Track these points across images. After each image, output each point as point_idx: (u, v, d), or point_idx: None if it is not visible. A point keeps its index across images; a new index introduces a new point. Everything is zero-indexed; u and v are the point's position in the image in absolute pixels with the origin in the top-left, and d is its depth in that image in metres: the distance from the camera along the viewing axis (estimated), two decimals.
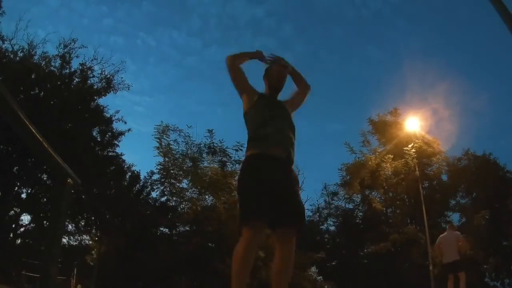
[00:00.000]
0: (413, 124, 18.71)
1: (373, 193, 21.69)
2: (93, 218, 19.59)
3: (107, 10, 46.83)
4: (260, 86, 2.98)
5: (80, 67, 17.63)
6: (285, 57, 3.08)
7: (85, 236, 21.46)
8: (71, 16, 38.31)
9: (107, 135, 19.19)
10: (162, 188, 19.30)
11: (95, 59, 17.86)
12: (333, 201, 25.65)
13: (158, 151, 17.37)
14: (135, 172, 23.67)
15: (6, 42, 16.39)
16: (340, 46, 53.14)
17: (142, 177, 23.92)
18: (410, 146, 18.84)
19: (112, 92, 18.49)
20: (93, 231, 21.05)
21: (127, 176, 23.08)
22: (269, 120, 2.56)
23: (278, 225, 2.35)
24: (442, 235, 8.21)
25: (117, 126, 19.06)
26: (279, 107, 2.75)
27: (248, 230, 2.23)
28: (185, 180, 18.20)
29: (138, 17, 48.46)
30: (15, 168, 16.67)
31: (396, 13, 51.81)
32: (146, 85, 52.10)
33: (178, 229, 21.45)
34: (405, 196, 20.68)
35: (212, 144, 17.79)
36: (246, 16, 52.19)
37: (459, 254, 7.81)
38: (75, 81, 17.71)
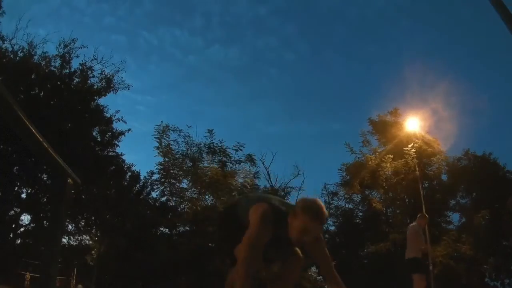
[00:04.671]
0: (413, 124, 18.70)
1: (373, 193, 21.70)
2: (93, 218, 19.60)
3: (108, 9, 46.95)
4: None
5: (80, 67, 17.66)
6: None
7: (85, 236, 21.48)
8: (72, 15, 38.35)
9: (107, 135, 19.20)
10: (162, 188, 19.33)
11: (95, 59, 17.90)
12: (333, 201, 25.65)
13: (158, 151, 17.40)
14: (135, 172, 23.69)
15: (6, 42, 16.43)
16: (343, 45, 53.14)
17: (142, 177, 23.94)
18: (410, 146, 18.83)
19: (112, 92, 18.53)
20: (93, 231, 21.07)
21: (127, 176, 23.09)
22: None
23: None
24: (416, 225, 7.40)
25: (117, 126, 19.10)
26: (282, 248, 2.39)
27: None
28: (185, 180, 18.23)
29: (140, 16, 48.50)
30: (15, 168, 16.68)
31: (399, 12, 51.87)
32: (147, 84, 52.14)
33: (178, 229, 21.44)
34: (405, 196, 20.68)
35: (212, 144, 17.82)
36: (249, 15, 52.22)
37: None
38: (75, 81, 17.74)
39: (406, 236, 7.19)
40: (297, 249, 2.40)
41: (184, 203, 18.72)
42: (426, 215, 7.79)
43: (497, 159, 23.01)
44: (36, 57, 16.98)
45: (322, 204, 2.17)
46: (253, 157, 18.63)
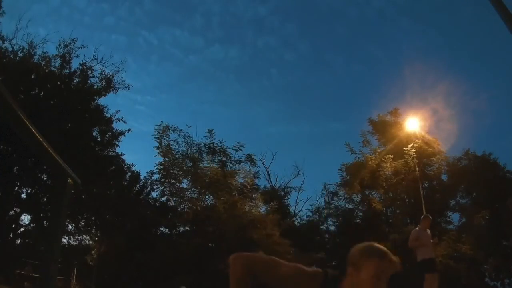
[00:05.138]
0: (413, 124, 18.73)
1: (373, 193, 21.69)
2: (93, 218, 19.59)
3: (108, 8, 46.82)
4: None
5: (80, 67, 17.66)
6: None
7: (85, 236, 21.47)
8: (72, 14, 38.36)
9: (107, 135, 19.19)
10: (162, 188, 19.34)
11: (95, 59, 17.90)
12: (333, 201, 25.66)
13: (158, 151, 17.41)
14: (135, 172, 23.68)
15: (6, 42, 16.43)
16: (343, 45, 53.08)
17: (142, 177, 23.94)
18: (410, 146, 18.85)
19: (112, 92, 18.53)
20: (93, 231, 21.06)
21: (127, 176, 23.08)
22: None
23: None
24: (418, 229, 7.62)
25: (117, 126, 19.09)
26: None
27: None
28: (185, 180, 18.24)
29: (140, 15, 48.41)
30: (15, 168, 16.68)
31: (399, 12, 51.80)
32: (147, 84, 52.02)
33: (178, 229, 21.45)
34: (405, 196, 20.68)
35: (212, 144, 17.83)
36: (249, 14, 52.08)
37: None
38: (75, 81, 17.73)
39: (428, 238, 7.37)
40: None
41: (184, 203, 18.73)
42: (429, 216, 7.94)
43: (497, 159, 23.02)
44: (36, 57, 16.98)
45: None
46: (253, 157, 18.66)
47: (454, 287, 17.56)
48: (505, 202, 19.94)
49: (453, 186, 21.91)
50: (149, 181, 23.08)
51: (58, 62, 17.29)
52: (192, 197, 17.98)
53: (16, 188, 17.41)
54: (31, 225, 18.84)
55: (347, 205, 24.75)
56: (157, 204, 22.89)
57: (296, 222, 26.16)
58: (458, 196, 22.71)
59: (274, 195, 23.98)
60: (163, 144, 17.43)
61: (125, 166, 21.87)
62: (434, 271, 7.20)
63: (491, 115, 43.02)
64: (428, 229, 7.58)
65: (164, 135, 17.43)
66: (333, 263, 24.10)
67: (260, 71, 56.57)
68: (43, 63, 17.06)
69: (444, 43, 49.81)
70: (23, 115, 1.74)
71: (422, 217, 7.90)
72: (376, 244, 1.81)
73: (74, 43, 17.43)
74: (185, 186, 18.34)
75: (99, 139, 18.88)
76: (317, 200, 28.91)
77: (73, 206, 15.63)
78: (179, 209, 19.39)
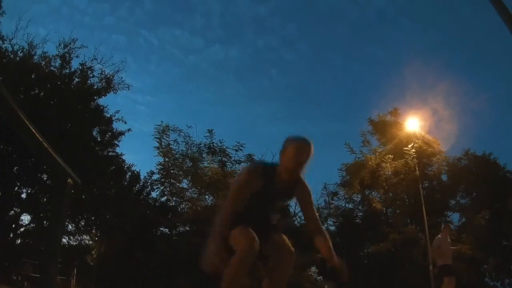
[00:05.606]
0: (413, 124, 18.72)
1: (373, 193, 21.68)
2: (93, 218, 19.60)
3: (108, 8, 46.91)
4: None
5: (80, 67, 17.65)
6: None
7: (85, 236, 21.49)
8: (73, 14, 38.43)
9: (107, 135, 19.18)
10: (162, 188, 19.30)
11: (95, 59, 17.89)
12: (333, 201, 25.58)
13: (158, 151, 17.40)
14: (135, 172, 23.69)
15: (6, 42, 16.42)
16: (344, 46, 53.16)
17: (142, 177, 23.94)
18: (410, 146, 18.83)
19: (112, 92, 18.53)
20: (93, 231, 21.07)
21: (127, 176, 23.08)
22: (256, 208, 2.51)
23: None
24: (440, 237, 8.33)
25: (117, 126, 19.08)
26: (280, 196, 2.59)
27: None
28: (185, 180, 18.22)
29: (140, 15, 48.51)
30: (15, 168, 16.68)
31: (399, 12, 51.85)
32: (148, 84, 52.10)
33: (178, 229, 21.43)
34: (405, 196, 20.67)
35: (212, 144, 17.80)
36: (249, 15, 52.16)
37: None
38: (75, 81, 17.72)
39: (447, 245, 8.15)
40: (289, 243, 2.47)
41: (184, 203, 18.72)
42: (449, 224, 9.42)
43: (497, 159, 23.02)
44: (36, 57, 16.98)
45: None
46: (253, 157, 18.62)
47: (454, 287, 17.54)
48: (505, 202, 19.95)
49: (453, 186, 21.89)
50: (149, 181, 23.09)
51: (58, 62, 17.30)
52: (192, 197, 17.97)
53: (16, 188, 17.41)
54: (31, 225, 18.84)
55: (347, 205, 24.74)
56: (157, 204, 22.88)
57: (296, 222, 26.15)
58: (458, 196, 22.70)
59: None
60: (163, 144, 17.43)
61: (125, 166, 21.90)
62: (451, 274, 8.05)
63: (491, 115, 43.04)
64: (448, 237, 8.31)
65: (164, 135, 17.42)
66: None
67: (260, 71, 56.67)
68: (43, 63, 17.06)
69: (444, 43, 49.86)
70: (23, 115, 1.74)
71: (442, 226, 8.74)
72: (299, 135, 2.42)
73: (74, 43, 17.45)
74: (185, 186, 18.33)
75: (99, 139, 18.88)
76: (317, 200, 28.84)
77: (73, 206, 15.62)
78: (179, 209, 19.39)
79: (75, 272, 20.93)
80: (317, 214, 2.70)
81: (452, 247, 8.37)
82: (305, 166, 2.41)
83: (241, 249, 2.24)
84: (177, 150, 17.78)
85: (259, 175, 2.42)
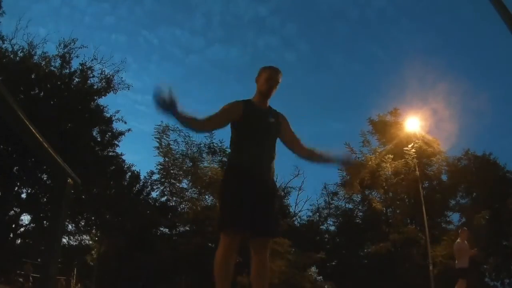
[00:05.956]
0: (413, 124, 18.70)
1: (373, 193, 21.67)
2: (93, 218, 19.59)
3: (109, 8, 46.90)
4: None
5: (80, 67, 17.65)
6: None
7: (85, 236, 21.48)
8: (73, 14, 38.38)
9: (107, 135, 19.18)
10: (162, 188, 19.32)
11: (95, 59, 17.89)
12: (333, 201, 25.63)
13: (158, 151, 17.40)
14: (135, 172, 23.70)
15: (6, 42, 16.42)
16: (344, 45, 53.08)
17: (142, 177, 23.94)
18: (410, 146, 18.82)
19: (112, 92, 18.52)
20: (93, 231, 21.06)
21: (127, 176, 23.09)
22: (252, 138, 2.61)
23: (252, 235, 2.47)
24: (459, 241, 8.93)
25: (117, 126, 19.08)
26: (266, 118, 2.70)
27: (226, 236, 2.37)
28: (185, 180, 18.22)
29: (140, 15, 48.42)
30: (15, 168, 16.68)
31: (400, 12, 51.81)
32: (147, 83, 51.99)
33: (178, 229, 21.45)
34: (405, 196, 20.66)
35: (212, 144, 17.82)
36: (249, 14, 52.07)
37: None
38: (75, 81, 17.72)
39: (466, 249, 8.72)
40: (266, 259, 2.52)
41: (184, 203, 18.72)
42: (465, 228, 9.43)
43: (497, 159, 22.99)
44: (36, 57, 16.98)
45: None
46: None
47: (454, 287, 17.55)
48: (505, 202, 19.94)
49: (453, 186, 21.87)
50: (149, 181, 23.11)
51: (58, 62, 17.31)
52: (192, 197, 17.97)
53: (16, 188, 17.41)
54: (31, 225, 18.84)
55: (347, 205, 24.76)
56: (157, 204, 22.90)
57: (296, 222, 26.15)
58: (458, 196, 22.67)
59: None
60: (163, 144, 17.42)
61: (125, 166, 21.90)
62: (465, 278, 8.64)
63: (491, 115, 42.99)
64: (466, 241, 8.79)
65: (164, 135, 17.41)
66: (333, 263, 24.17)
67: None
68: (43, 63, 17.05)
69: (444, 43, 49.83)
70: (23, 115, 1.74)
71: (460, 230, 9.31)
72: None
73: (74, 43, 17.44)
74: (185, 186, 18.34)
75: (99, 139, 18.88)
76: (317, 200, 28.92)
77: (73, 206, 15.63)
78: (179, 209, 19.40)
79: (75, 272, 20.94)
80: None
81: (470, 250, 8.82)
82: (275, 90, 2.76)
83: (218, 256, 2.37)
84: (177, 150, 17.80)
85: (236, 104, 2.65)
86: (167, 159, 17.74)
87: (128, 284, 21.48)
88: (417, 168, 17.91)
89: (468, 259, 8.65)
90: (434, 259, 16.55)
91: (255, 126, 2.62)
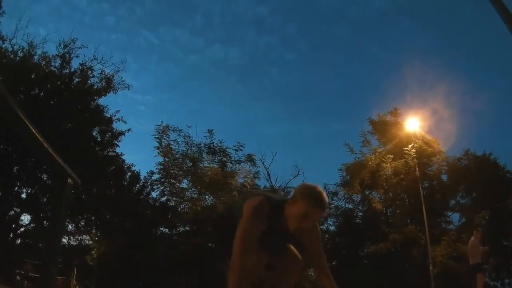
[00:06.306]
0: (413, 124, 18.72)
1: (373, 193, 21.68)
2: (93, 218, 19.58)
3: (109, 8, 46.91)
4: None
5: (80, 67, 17.64)
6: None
7: (85, 236, 21.46)
8: (73, 14, 38.45)
9: (107, 135, 19.17)
10: (162, 188, 19.32)
11: (95, 59, 17.85)
12: (333, 201, 25.60)
13: (158, 151, 17.42)
14: (135, 172, 23.64)
15: (6, 42, 16.40)
16: (344, 45, 53.17)
17: (142, 177, 23.90)
18: (410, 146, 18.84)
19: (112, 92, 18.51)
20: (93, 231, 21.06)
21: (127, 176, 23.06)
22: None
23: None
24: (473, 239, 10.06)
25: (117, 126, 19.06)
26: (285, 240, 2.44)
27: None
28: (185, 180, 18.23)
29: (141, 15, 48.52)
30: (15, 168, 16.66)
31: (400, 12, 51.85)
32: (148, 83, 52.09)
33: (178, 229, 21.43)
34: (405, 196, 20.67)
35: (212, 144, 17.82)
36: (249, 14, 52.16)
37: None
38: (75, 81, 17.70)
39: (467, 249, 10.18)
40: (295, 250, 2.44)
41: (184, 203, 18.72)
42: (479, 228, 10.80)
43: (497, 159, 23.03)
44: (36, 57, 16.94)
45: (322, 191, 2.15)
46: (253, 157, 18.63)
47: (454, 287, 17.56)
48: (505, 202, 19.95)
49: (453, 186, 21.89)
50: (149, 181, 23.03)
51: (58, 62, 17.27)
52: (192, 197, 17.97)
53: (16, 188, 17.39)
54: (31, 225, 18.83)
55: (347, 205, 24.74)
56: (157, 204, 22.87)
57: None
58: (458, 196, 22.71)
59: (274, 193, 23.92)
60: (163, 144, 17.44)
61: (125, 166, 21.86)
62: (481, 271, 9.93)
63: (491, 115, 43.02)
64: (479, 240, 9.88)
65: (164, 135, 17.44)
66: (333, 263, 24.16)
67: (261, 71, 56.65)
68: (43, 63, 17.03)
69: (444, 43, 49.84)
70: (23, 115, 1.74)
71: (475, 231, 10.33)
72: (319, 191, 2.11)
73: (74, 43, 17.41)
74: (185, 186, 18.34)
75: (99, 139, 18.86)
76: None
77: (73, 206, 15.62)
78: (179, 209, 19.38)
79: (75, 272, 20.95)
80: (324, 253, 2.52)
81: (482, 247, 9.77)
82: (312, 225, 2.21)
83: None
84: (177, 150, 17.81)
85: (263, 215, 2.16)
86: (167, 159, 17.76)
87: (128, 284, 21.47)
88: (417, 168, 17.93)
89: (481, 255, 9.62)
90: (434, 259, 16.57)
91: (270, 244, 2.35)
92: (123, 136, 19.19)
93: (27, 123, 1.80)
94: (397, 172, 19.66)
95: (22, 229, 18.92)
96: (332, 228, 25.77)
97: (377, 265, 19.91)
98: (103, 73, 18.20)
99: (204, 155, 17.91)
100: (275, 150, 47.99)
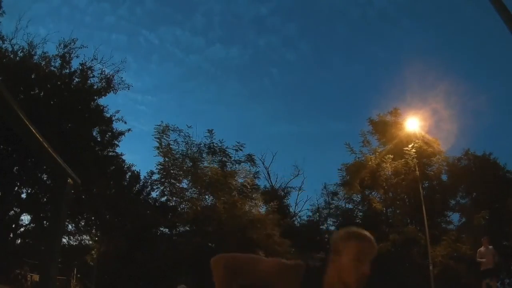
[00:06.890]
0: (413, 124, 18.72)
1: (373, 193, 21.69)
2: (93, 218, 19.58)
3: (109, 8, 46.91)
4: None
5: (80, 67, 17.64)
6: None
7: (85, 236, 21.45)
8: (73, 14, 38.48)
9: (107, 135, 19.17)
10: (162, 188, 19.34)
11: (95, 58, 17.87)
12: (333, 201, 25.68)
13: (158, 151, 17.41)
14: (135, 172, 23.68)
15: (6, 42, 16.40)
16: (344, 45, 53.17)
17: (142, 177, 23.92)
18: (410, 146, 18.84)
19: (112, 92, 18.52)
20: (93, 231, 21.05)
21: (127, 176, 23.08)
22: None
23: None
24: (482, 248, 10.90)
25: (117, 126, 19.08)
26: None
27: None
28: (185, 180, 18.24)
29: (141, 15, 48.43)
30: (15, 168, 16.66)
31: (400, 12, 51.86)
32: (148, 83, 52.06)
33: (178, 229, 21.45)
34: (405, 196, 20.67)
35: (212, 144, 17.83)
36: (250, 14, 52.11)
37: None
38: (75, 81, 17.71)
39: (477, 256, 10.96)
40: None
41: (184, 203, 18.73)
42: (486, 236, 11.56)
43: (497, 159, 23.03)
44: (36, 57, 16.96)
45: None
46: (253, 157, 18.67)
47: (454, 287, 17.57)
48: (505, 202, 19.94)
49: (453, 186, 21.89)
50: (149, 181, 23.08)
51: (58, 62, 17.28)
52: (192, 197, 17.98)
53: (16, 188, 17.39)
54: (31, 225, 18.83)
55: (347, 205, 24.78)
56: (157, 204, 22.89)
57: (296, 222, 26.17)
58: (458, 196, 22.71)
59: (274, 195, 23.97)
60: (163, 144, 17.44)
61: (125, 166, 21.88)
62: (493, 276, 10.53)
63: (491, 115, 43.04)
64: (488, 246, 10.69)
65: (164, 135, 17.44)
66: None
67: (261, 71, 56.65)
68: (43, 63, 17.04)
69: (444, 43, 49.82)
70: (23, 115, 1.74)
71: (482, 239, 11.34)
72: (354, 228, 1.84)
73: (74, 43, 17.43)
74: (185, 186, 18.35)
75: (99, 139, 18.87)
76: (317, 200, 28.96)
77: (73, 206, 15.61)
78: (179, 209, 19.39)
79: (75, 272, 20.93)
80: None
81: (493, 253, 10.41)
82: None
83: None
84: (177, 150, 17.81)
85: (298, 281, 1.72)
86: (167, 159, 17.76)
87: (128, 284, 21.46)
88: (417, 168, 17.93)
89: (492, 260, 10.26)
90: (434, 259, 16.56)
91: None
92: (123, 136, 19.23)
93: (27, 123, 1.80)
94: (397, 172, 19.66)
95: (22, 229, 18.93)
96: (332, 228, 25.81)
97: (377, 265, 19.90)
98: (103, 73, 18.24)
99: (204, 155, 17.94)
100: (275, 150, 48.26)
